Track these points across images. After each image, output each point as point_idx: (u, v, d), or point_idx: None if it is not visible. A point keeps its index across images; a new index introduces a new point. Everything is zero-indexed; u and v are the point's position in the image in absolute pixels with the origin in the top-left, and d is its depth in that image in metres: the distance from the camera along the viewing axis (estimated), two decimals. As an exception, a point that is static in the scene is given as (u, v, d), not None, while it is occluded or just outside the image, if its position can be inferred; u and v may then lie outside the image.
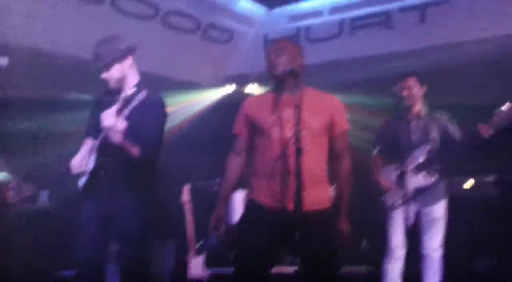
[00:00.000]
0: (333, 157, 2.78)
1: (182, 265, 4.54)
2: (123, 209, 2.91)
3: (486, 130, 3.45)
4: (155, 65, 5.34)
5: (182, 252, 4.59)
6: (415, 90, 3.76)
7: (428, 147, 3.71)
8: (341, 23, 5.35)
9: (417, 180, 3.70)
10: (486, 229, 4.63)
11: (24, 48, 4.14)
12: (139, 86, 2.96)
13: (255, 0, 5.71)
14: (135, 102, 2.75)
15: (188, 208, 4.63)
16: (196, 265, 4.50)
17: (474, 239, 4.67)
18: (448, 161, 3.71)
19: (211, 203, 5.74)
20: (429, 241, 3.71)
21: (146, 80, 5.51)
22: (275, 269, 2.78)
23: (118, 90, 2.97)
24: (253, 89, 6.54)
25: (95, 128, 2.94)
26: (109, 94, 3.01)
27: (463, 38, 4.64)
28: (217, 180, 5.58)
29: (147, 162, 2.96)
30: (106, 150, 2.87)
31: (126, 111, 2.76)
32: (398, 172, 3.69)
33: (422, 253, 3.73)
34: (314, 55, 5.24)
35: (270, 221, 2.61)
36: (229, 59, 6.21)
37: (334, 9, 5.45)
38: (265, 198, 2.66)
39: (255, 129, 2.73)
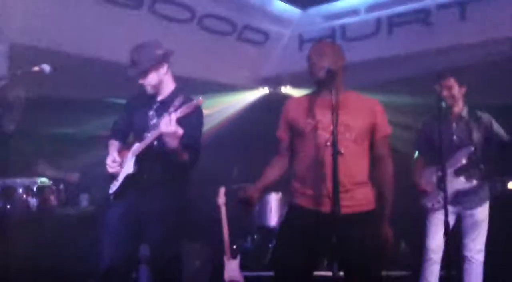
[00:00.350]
0: (374, 161, 2.75)
1: (218, 268, 4.55)
2: (158, 213, 2.95)
3: None
4: (191, 68, 5.38)
5: (219, 254, 4.59)
6: (455, 90, 3.66)
7: (470, 149, 3.61)
8: (378, 21, 5.25)
9: (458, 183, 3.61)
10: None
11: (65, 53, 4.25)
12: (176, 92, 3.02)
13: (289, 0, 5.67)
14: (180, 109, 2.74)
15: (223, 211, 4.63)
16: (232, 268, 4.50)
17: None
18: (492, 162, 3.59)
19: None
20: (471, 243, 3.65)
21: (182, 83, 5.61)
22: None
23: (152, 95, 3.03)
24: (289, 90, 6.51)
25: (125, 132, 3.10)
26: (141, 99, 3.07)
27: (504, 34, 4.48)
28: (253, 182, 5.59)
29: (185, 167, 3.00)
30: (151, 154, 2.92)
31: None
32: (438, 174, 3.60)
33: (464, 255, 3.67)
34: (350, 54, 5.17)
35: (309, 224, 2.59)
36: (265, 61, 6.20)
37: (371, 7, 5.36)
38: (304, 201, 2.66)
39: (295, 132, 2.73)
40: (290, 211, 2.81)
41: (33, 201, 3.91)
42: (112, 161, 3.02)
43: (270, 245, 5.20)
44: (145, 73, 2.98)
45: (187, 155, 2.83)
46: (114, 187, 3.01)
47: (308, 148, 2.64)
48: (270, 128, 2.95)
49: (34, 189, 3.98)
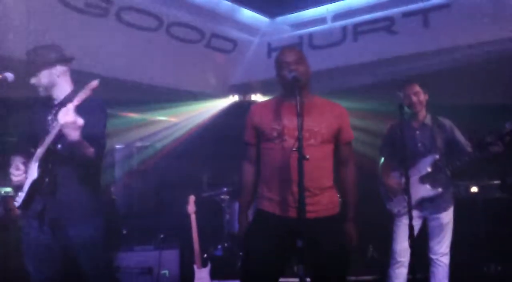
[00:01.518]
0: (337, 165, 2.79)
1: (188, 276, 4.51)
2: (67, 217, 2.83)
3: (496, 149, 3.46)
4: (160, 76, 5.38)
5: (188, 262, 4.56)
6: (421, 96, 3.74)
7: (435, 157, 3.67)
8: (344, 30, 5.34)
9: (424, 190, 3.67)
10: (492, 232, 4.60)
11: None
12: (74, 93, 2.84)
13: (257, 9, 5.71)
14: (77, 103, 2.59)
15: (193, 219, 4.61)
16: (202, 277, 4.47)
17: (480, 242, 4.64)
18: (454, 168, 3.68)
19: (216, 212, 5.78)
20: (437, 246, 3.71)
21: (151, 91, 5.56)
22: (281, 279, 2.75)
23: (49, 100, 2.95)
24: (259, 98, 6.55)
25: (28, 139, 2.92)
26: (39, 105, 2.99)
27: (466, 41, 4.62)
28: (223, 190, 5.58)
29: (95, 164, 2.93)
30: (54, 156, 2.81)
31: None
32: (403, 180, 3.66)
33: (430, 258, 3.72)
34: (318, 62, 5.25)
35: (275, 229, 2.60)
36: (234, 69, 6.22)
37: (337, 16, 5.45)
38: (270, 206, 2.67)
39: (261, 137, 2.75)
40: (257, 216, 2.82)
41: (-4, 211, 3.82)
42: (16, 169, 2.85)
43: (241, 253, 5.19)
44: (36, 72, 2.90)
45: (92, 150, 2.70)
46: (19, 198, 2.83)
47: (274, 153, 2.66)
48: (240, 136, 2.96)
49: (-3, 199, 3.89)
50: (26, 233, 2.86)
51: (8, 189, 4.05)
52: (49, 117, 2.92)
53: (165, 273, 4.41)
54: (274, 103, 2.78)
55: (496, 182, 4.93)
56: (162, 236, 4.88)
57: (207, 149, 6.07)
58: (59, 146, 2.80)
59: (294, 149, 2.37)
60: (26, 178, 2.84)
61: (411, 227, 3.05)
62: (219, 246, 5.53)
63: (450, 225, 3.73)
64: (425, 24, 4.83)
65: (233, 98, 6.63)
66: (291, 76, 2.55)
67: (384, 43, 5.07)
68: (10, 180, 2.85)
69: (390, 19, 5.06)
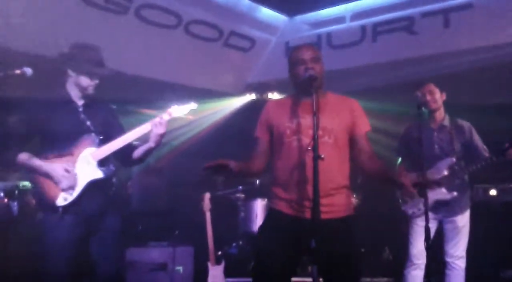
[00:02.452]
0: (359, 156, 2.70)
1: (202, 274, 4.53)
2: (109, 221, 2.99)
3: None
4: (177, 73, 5.40)
5: (203, 260, 4.57)
6: (437, 95, 3.70)
7: (452, 160, 3.63)
8: (363, 29, 5.30)
9: (439, 193, 3.62)
10: (510, 236, 4.52)
11: (46, 57, 4.21)
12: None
13: (276, 7, 5.69)
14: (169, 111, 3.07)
15: (208, 217, 4.62)
16: (216, 274, 4.48)
17: (498, 246, 4.57)
18: (471, 171, 3.62)
19: (231, 211, 5.79)
20: (452, 249, 3.68)
21: (168, 88, 5.58)
22: (295, 279, 2.74)
23: (67, 99, 2.99)
24: (275, 97, 6.53)
25: (58, 138, 2.90)
26: (57, 104, 2.98)
27: (487, 42, 4.54)
28: (238, 188, 5.58)
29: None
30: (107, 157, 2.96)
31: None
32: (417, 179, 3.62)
33: (446, 261, 3.68)
34: (336, 62, 5.23)
35: (289, 230, 2.58)
36: (251, 67, 6.21)
37: (356, 15, 5.40)
38: (284, 207, 2.64)
39: (275, 135, 2.71)
40: (270, 216, 2.79)
41: (14, 205, 3.86)
42: (66, 170, 2.83)
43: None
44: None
45: None
46: (70, 197, 2.83)
47: (288, 152, 2.63)
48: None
49: (16, 193, 3.93)
50: (53, 227, 2.83)
51: (26, 183, 4.10)
52: (82, 116, 2.98)
53: (179, 270, 4.43)
54: (289, 102, 2.75)
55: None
56: (176, 232, 4.90)
57: (223, 147, 6.06)
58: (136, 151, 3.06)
59: (309, 148, 2.35)
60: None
61: (427, 229, 3.01)
62: (234, 244, 5.54)
63: (466, 228, 3.68)
64: (445, 25, 4.76)
65: (250, 97, 6.62)
66: (307, 74, 2.52)
67: (404, 44, 5.02)
68: (58, 182, 2.82)
69: (410, 19, 5.01)
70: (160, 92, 5.58)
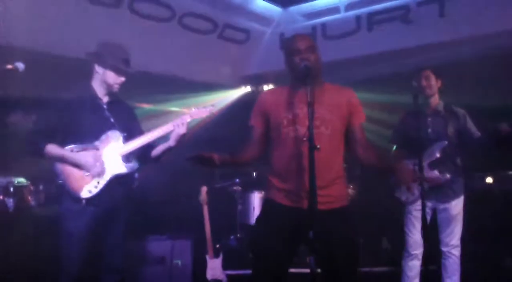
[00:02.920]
0: (355, 146, 2.70)
1: (201, 266, 4.53)
2: (123, 213, 3.10)
3: (505, 130, 3.37)
4: (172, 66, 5.37)
5: (201, 253, 4.58)
6: (433, 80, 3.70)
7: (444, 143, 3.64)
8: (358, 19, 5.28)
9: (432, 176, 3.63)
10: (507, 224, 4.54)
11: (39, 51, 4.19)
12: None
13: (270, -1, 5.68)
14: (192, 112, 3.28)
15: (205, 209, 4.62)
16: (214, 267, 4.49)
17: (495, 234, 4.59)
18: (466, 157, 3.63)
19: (228, 203, 5.79)
20: (448, 238, 3.69)
21: (163, 81, 5.56)
22: (293, 270, 2.74)
23: (93, 96, 3.08)
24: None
25: (56, 134, 2.96)
26: (83, 101, 3.04)
27: (483, 31, 4.53)
28: (235, 181, 5.58)
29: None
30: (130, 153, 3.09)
31: None
32: (413, 168, 3.63)
33: (441, 250, 3.70)
34: (331, 52, 5.21)
35: (286, 220, 2.58)
36: (247, 59, 6.19)
37: (351, 5, 5.38)
38: (281, 197, 2.64)
39: (271, 125, 2.70)
40: (266, 206, 2.79)
41: (10, 201, 3.86)
42: (96, 159, 2.94)
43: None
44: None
45: None
46: (94, 189, 2.93)
47: (285, 143, 2.62)
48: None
49: (11, 189, 3.92)
50: (74, 217, 2.90)
51: (22, 179, 4.09)
52: (106, 113, 3.08)
53: (177, 263, 4.43)
54: (285, 92, 2.73)
55: (511, 172, 4.87)
56: (175, 226, 4.90)
57: (220, 139, 6.06)
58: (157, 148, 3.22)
59: (305, 139, 2.34)
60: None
61: (424, 218, 3.01)
62: (232, 237, 5.54)
63: (460, 217, 3.69)
64: (441, 13, 4.75)
65: (246, 89, 6.61)
66: (302, 65, 2.51)
67: (399, 33, 5.00)
68: (89, 169, 2.92)
69: (405, 8, 4.99)
70: (156, 86, 5.56)
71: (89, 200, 2.90)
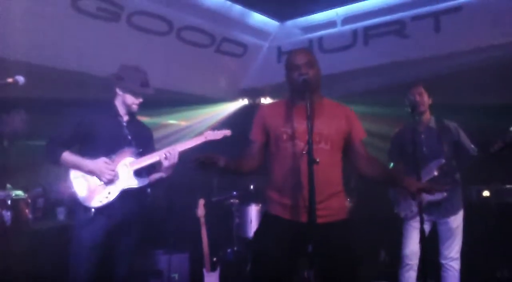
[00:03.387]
0: (358, 162, 2.73)
1: (198, 279, 4.51)
2: (134, 227, 3.18)
3: (496, 145, 3.41)
4: (170, 80, 5.39)
5: (198, 266, 4.56)
6: (425, 97, 3.74)
7: (441, 161, 3.65)
8: (354, 33, 5.32)
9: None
10: (504, 237, 4.54)
11: (39, 65, 4.21)
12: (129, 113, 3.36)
13: (267, 13, 5.71)
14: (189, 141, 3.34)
15: (203, 222, 4.61)
16: (211, 280, 4.47)
17: (493, 247, 4.59)
18: (461, 170, 3.65)
19: (225, 216, 5.77)
20: (447, 250, 3.70)
21: (161, 95, 5.58)
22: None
23: (116, 113, 3.26)
24: (267, 102, 6.55)
25: (70, 144, 3.13)
26: (105, 116, 3.23)
27: (477, 45, 4.58)
28: (233, 194, 5.58)
29: None
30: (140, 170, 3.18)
31: None
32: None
33: (441, 263, 3.70)
34: (328, 66, 5.23)
35: (285, 234, 2.58)
36: (244, 73, 6.23)
37: (347, 19, 5.43)
38: (280, 211, 2.64)
39: (271, 139, 2.71)
40: (266, 220, 2.79)
41: (7, 214, 3.84)
42: (110, 169, 3.05)
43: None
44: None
45: None
46: (105, 199, 3.02)
47: (284, 157, 2.63)
48: (248, 139, 2.93)
49: (9, 202, 3.91)
50: (84, 227, 2.98)
51: (19, 192, 4.08)
52: (125, 131, 3.24)
53: (174, 277, 4.41)
54: (284, 106, 2.75)
55: (508, 186, 4.88)
56: (172, 239, 4.89)
57: (217, 152, 6.06)
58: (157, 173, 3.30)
59: (304, 153, 2.35)
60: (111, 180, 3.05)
61: (422, 231, 3.03)
62: (229, 250, 5.52)
63: (460, 230, 3.70)
64: (436, 28, 4.80)
65: (243, 102, 6.63)
66: (301, 79, 2.53)
67: (395, 47, 5.04)
68: (101, 176, 3.02)
69: (400, 23, 5.04)
70: (153, 99, 5.58)
71: (99, 210, 2.98)
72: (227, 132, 3.38)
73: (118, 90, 3.27)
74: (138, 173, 3.17)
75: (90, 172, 3.04)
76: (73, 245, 2.99)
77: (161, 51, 5.18)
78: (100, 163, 3.04)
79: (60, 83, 4.60)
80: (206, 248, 4.52)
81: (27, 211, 3.82)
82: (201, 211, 4.67)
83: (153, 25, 5.04)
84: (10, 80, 2.67)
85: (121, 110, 3.29)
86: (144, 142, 3.31)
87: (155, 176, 3.32)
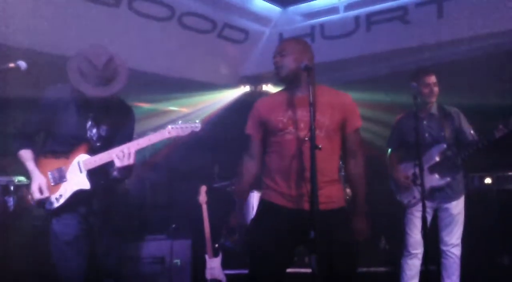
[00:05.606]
0: (345, 156, 2.75)
1: (200, 266, 4.54)
2: (110, 218, 2.98)
3: (499, 131, 3.40)
4: (171, 66, 5.37)
5: (200, 252, 4.58)
6: (436, 88, 3.70)
7: (443, 146, 3.65)
8: (356, 19, 5.28)
9: (433, 179, 3.66)
10: (506, 223, 4.56)
11: (38, 51, 4.18)
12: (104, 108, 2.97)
13: (269, -2, 5.68)
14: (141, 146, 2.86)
15: (204, 209, 4.62)
16: (213, 266, 4.49)
17: (494, 234, 4.61)
18: (464, 157, 3.64)
19: (227, 203, 5.79)
20: (448, 237, 3.70)
21: (162, 81, 5.55)
22: (292, 270, 2.74)
23: (84, 101, 2.83)
24: (270, 88, 6.52)
25: (35, 135, 2.91)
26: (69, 103, 2.87)
27: (481, 31, 4.54)
28: (233, 180, 5.58)
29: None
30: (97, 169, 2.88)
31: None
32: (414, 171, 3.64)
33: (441, 250, 3.71)
34: (330, 53, 5.22)
35: (284, 222, 2.59)
36: (245, 59, 6.19)
37: (349, 5, 5.39)
38: (278, 198, 2.64)
39: (268, 130, 2.71)
40: (263, 207, 2.78)
41: (10, 200, 3.85)
42: (40, 190, 2.79)
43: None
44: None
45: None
46: (56, 203, 2.82)
47: (282, 145, 2.63)
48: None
49: (11, 188, 3.91)
50: (53, 224, 2.84)
51: (22, 178, 4.08)
52: (89, 123, 2.89)
53: (177, 263, 4.43)
54: (280, 96, 2.76)
55: (510, 173, 4.88)
56: (174, 226, 4.90)
57: (218, 140, 6.06)
58: (114, 171, 2.86)
59: (307, 139, 2.35)
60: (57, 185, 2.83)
61: (424, 219, 3.03)
62: (229, 238, 5.54)
63: (461, 216, 3.71)
64: (439, 14, 4.76)
65: (244, 89, 6.61)
66: (303, 65, 2.52)
67: (398, 33, 5.01)
68: (32, 194, 2.82)
69: (403, 9, 5.00)
70: (154, 85, 5.56)
71: (54, 211, 2.82)
72: (195, 126, 2.80)
73: None
74: (93, 173, 2.83)
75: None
76: (51, 241, 2.85)
77: (162, 37, 5.15)
78: (35, 180, 2.80)
79: (62, 70, 4.57)
80: (208, 234, 4.54)
81: (29, 197, 3.81)
82: (203, 198, 4.68)
83: (155, 10, 5.00)
84: (11, 65, 2.65)
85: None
86: (113, 133, 2.94)
87: (113, 175, 2.90)
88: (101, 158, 2.81)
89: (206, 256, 4.52)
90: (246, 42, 5.93)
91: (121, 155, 2.71)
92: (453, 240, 3.68)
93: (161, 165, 6.02)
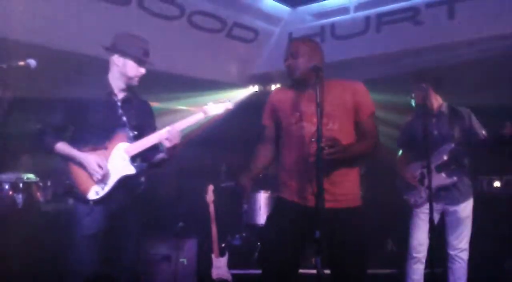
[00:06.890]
0: (358, 140, 2.69)
1: (206, 265, 4.54)
2: (132, 215, 3.01)
3: (510, 130, 3.35)
4: (180, 65, 5.38)
5: (207, 252, 4.58)
6: (434, 99, 3.70)
7: (451, 145, 3.62)
8: (367, 20, 5.26)
9: (440, 178, 3.62)
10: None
11: (49, 48, 4.20)
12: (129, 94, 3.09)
13: (279, -2, 5.67)
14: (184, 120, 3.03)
15: (211, 208, 4.63)
16: (220, 266, 4.49)
17: (502, 238, 4.56)
18: (473, 158, 3.61)
19: (234, 202, 5.79)
20: (455, 241, 3.65)
21: (171, 80, 5.56)
22: (301, 270, 2.73)
23: (109, 92, 2.96)
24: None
25: (98, 133, 2.90)
26: (109, 94, 2.97)
27: (492, 33, 4.50)
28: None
29: None
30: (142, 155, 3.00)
31: None
32: (422, 170, 3.62)
33: (448, 253, 3.66)
34: (340, 52, 5.19)
35: (294, 218, 2.60)
36: (254, 58, 6.19)
37: (360, 6, 5.37)
38: (289, 194, 2.66)
39: (280, 123, 2.76)
40: (277, 204, 2.83)
41: (19, 197, 3.87)
42: (99, 166, 2.82)
43: (258, 243, 5.20)
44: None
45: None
46: (102, 191, 2.85)
47: (293, 141, 2.65)
48: (259, 126, 2.96)
49: (20, 185, 3.93)
50: (82, 218, 2.82)
51: (31, 175, 4.11)
52: (120, 111, 2.97)
53: (183, 261, 4.44)
54: (292, 92, 2.78)
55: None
56: (181, 224, 4.91)
57: (226, 139, 6.06)
58: (160, 153, 3.06)
59: (313, 140, 2.35)
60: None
61: (431, 220, 3.00)
62: (237, 236, 5.55)
63: (469, 220, 3.66)
64: (450, 15, 4.72)
65: (253, 88, 6.60)
66: (312, 65, 2.51)
67: (408, 34, 4.98)
68: (92, 175, 2.83)
69: (414, 10, 4.97)
70: (163, 84, 5.58)
71: (96, 202, 2.84)
72: (228, 104, 3.04)
73: (116, 61, 2.92)
74: (135, 159, 2.94)
75: (82, 166, 2.84)
76: (73, 236, 2.84)
77: (172, 36, 5.16)
78: (91, 162, 2.81)
79: (71, 67, 4.59)
80: (214, 234, 4.54)
81: (38, 194, 3.81)
82: (210, 197, 4.68)
83: (164, 9, 5.02)
84: (21, 63, 2.66)
85: (117, 86, 2.97)
86: (141, 123, 3.03)
87: (158, 157, 3.07)
88: (144, 144, 2.92)
89: (213, 255, 4.52)
90: (255, 42, 5.94)
91: (169, 136, 2.86)
92: (461, 244, 3.63)
93: (168, 162, 6.03)
